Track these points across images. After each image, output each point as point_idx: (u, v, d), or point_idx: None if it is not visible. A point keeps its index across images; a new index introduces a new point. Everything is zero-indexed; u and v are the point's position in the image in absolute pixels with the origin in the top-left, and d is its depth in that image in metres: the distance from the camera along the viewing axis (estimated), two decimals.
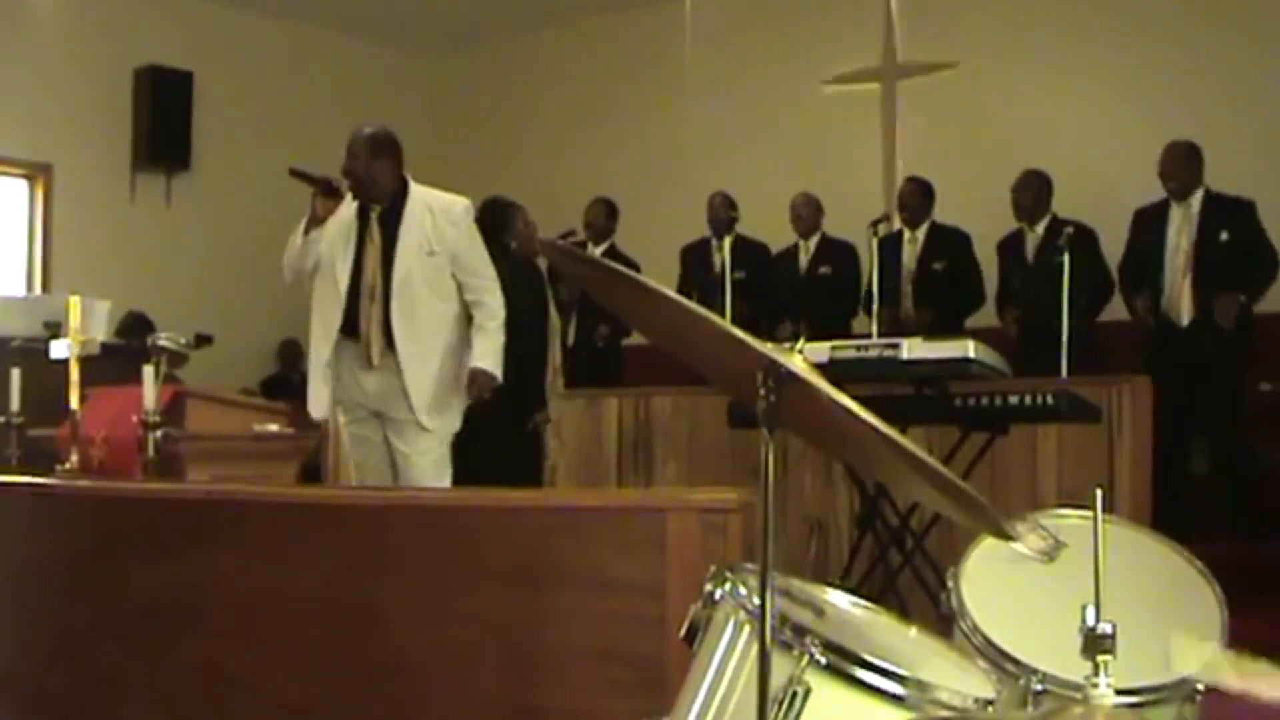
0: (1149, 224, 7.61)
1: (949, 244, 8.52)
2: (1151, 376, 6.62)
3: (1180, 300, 7.40)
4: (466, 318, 5.67)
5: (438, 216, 5.56)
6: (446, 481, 5.55)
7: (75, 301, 5.85)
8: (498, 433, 6.48)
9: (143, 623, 4.05)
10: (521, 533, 3.49)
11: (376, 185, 5.52)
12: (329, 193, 5.48)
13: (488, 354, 5.57)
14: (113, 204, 10.95)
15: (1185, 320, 7.39)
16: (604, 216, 9.60)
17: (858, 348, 5.83)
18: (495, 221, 6.70)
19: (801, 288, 8.97)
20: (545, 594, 3.38)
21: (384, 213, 5.55)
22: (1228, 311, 7.20)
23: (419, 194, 5.60)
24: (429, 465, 5.55)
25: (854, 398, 1.88)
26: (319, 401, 5.59)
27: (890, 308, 8.08)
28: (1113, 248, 7.80)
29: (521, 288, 6.46)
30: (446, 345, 5.61)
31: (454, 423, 5.65)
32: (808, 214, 9.09)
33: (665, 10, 10.64)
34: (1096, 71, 9.46)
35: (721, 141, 10.79)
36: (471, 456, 6.33)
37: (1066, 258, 6.76)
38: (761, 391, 1.91)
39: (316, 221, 5.53)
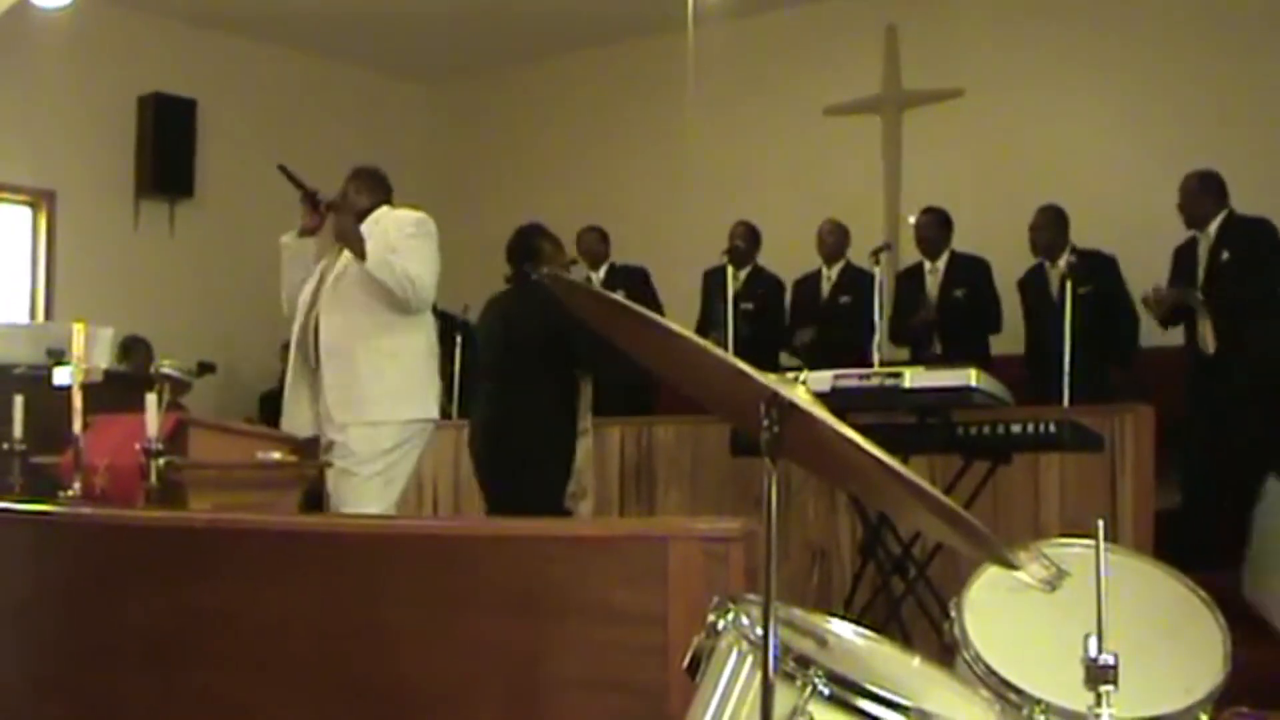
0: (1184, 259, 7.62)
1: (969, 272, 8.52)
2: (1188, 405, 6.58)
3: (1206, 329, 7.39)
4: (417, 336, 5.68)
5: (386, 223, 5.65)
6: (375, 508, 5.46)
7: (78, 329, 5.85)
8: (530, 465, 6.49)
9: (144, 651, 4.04)
10: (523, 561, 3.48)
11: (347, 201, 5.71)
12: (310, 204, 5.59)
13: (374, 250, 5.50)
14: (116, 231, 10.96)
15: (1211, 349, 7.35)
16: (597, 243, 9.65)
17: (860, 377, 5.83)
18: (522, 249, 6.71)
19: (822, 315, 8.95)
20: (547, 623, 3.38)
21: None
22: (1149, 300, 7.36)
23: (382, 211, 5.74)
24: (348, 490, 5.54)
25: (856, 426, 1.89)
26: (289, 419, 5.76)
27: (919, 340, 8.09)
28: (1130, 272, 7.80)
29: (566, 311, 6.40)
30: (371, 348, 5.58)
31: (378, 438, 5.57)
32: (834, 241, 9.08)
33: (668, 39, 10.65)
34: (1102, 98, 9.47)
35: (723, 170, 10.81)
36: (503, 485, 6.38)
37: (1069, 287, 6.77)
38: (764, 422, 1.91)
39: (306, 231, 5.67)
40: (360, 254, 5.48)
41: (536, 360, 6.50)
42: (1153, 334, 7.87)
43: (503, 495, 6.50)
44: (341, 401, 5.53)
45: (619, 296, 2.01)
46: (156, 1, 10.79)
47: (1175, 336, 7.71)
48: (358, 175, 5.85)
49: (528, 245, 6.75)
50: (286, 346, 10.87)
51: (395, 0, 10.71)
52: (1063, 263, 7.86)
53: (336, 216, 5.61)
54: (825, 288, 9.09)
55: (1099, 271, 7.67)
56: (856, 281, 8.96)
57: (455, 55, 12.24)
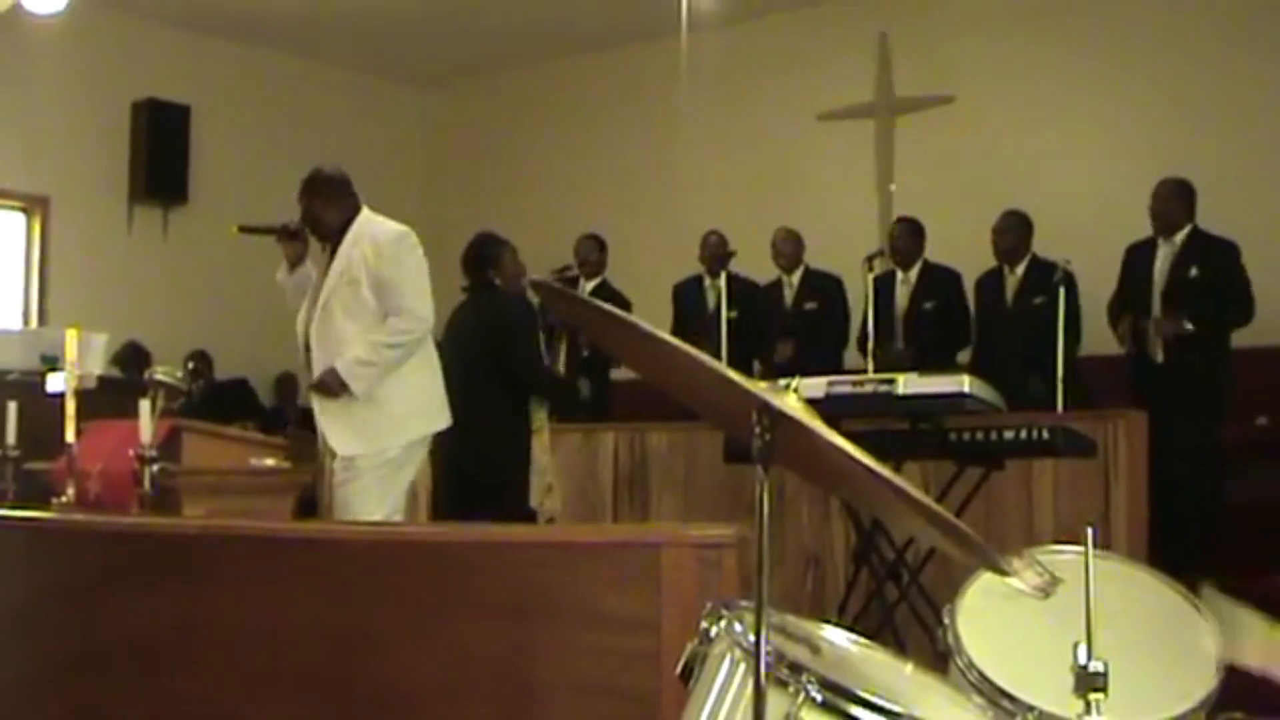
0: (1137, 259, 7.66)
1: (939, 284, 8.51)
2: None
3: (1158, 341, 7.44)
4: (416, 356, 5.66)
5: (365, 244, 5.57)
6: (374, 514, 5.42)
7: (72, 335, 5.85)
8: (492, 473, 6.48)
9: (137, 657, 4.04)
10: (515, 567, 3.49)
11: (320, 223, 5.63)
12: (287, 236, 5.60)
13: (349, 361, 5.46)
14: (110, 237, 10.96)
15: (1160, 356, 7.42)
16: (595, 251, 9.57)
17: (853, 383, 5.83)
18: (482, 257, 6.69)
19: (789, 323, 8.94)
20: (539, 629, 3.38)
21: (333, 248, 5.63)
22: (1158, 332, 7.34)
23: (361, 224, 5.63)
24: (350, 496, 5.48)
25: (848, 433, 1.89)
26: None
27: (885, 345, 8.06)
28: (1100, 289, 7.81)
29: (511, 323, 6.47)
30: None
31: (383, 450, 5.53)
32: (789, 250, 9.03)
33: (660, 45, 10.67)
34: (1094, 105, 9.48)
35: (715, 177, 10.81)
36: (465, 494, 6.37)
37: (1061, 294, 6.78)
38: (756, 430, 1.91)
39: (294, 263, 5.65)
40: (348, 392, 5.49)
41: (488, 366, 6.50)
42: (1089, 343, 7.87)
43: (468, 499, 6.49)
44: (343, 436, 5.51)
45: (609, 306, 2.01)
46: (150, 7, 10.79)
47: (1110, 345, 7.78)
48: (311, 190, 5.64)
49: (487, 254, 6.73)
50: (282, 377, 11.05)
51: (388, 6, 10.72)
52: (1020, 270, 7.94)
53: (320, 391, 5.57)
54: (789, 295, 9.06)
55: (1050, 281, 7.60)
56: (819, 286, 8.95)
57: (448, 60, 12.24)
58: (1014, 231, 8.06)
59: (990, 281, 8.22)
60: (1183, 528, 7.02)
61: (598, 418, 8.56)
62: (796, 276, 9.05)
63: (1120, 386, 7.55)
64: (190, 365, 10.24)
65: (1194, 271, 7.41)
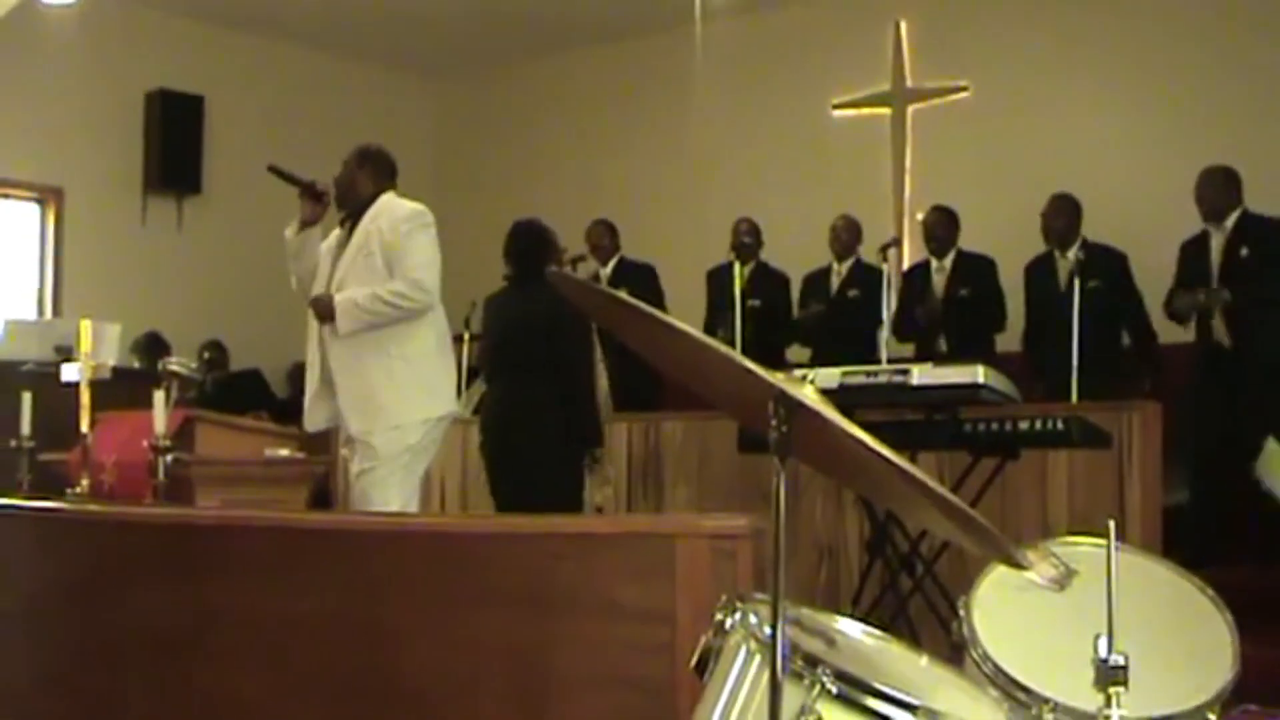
0: (1193, 253, 7.61)
1: (975, 271, 8.46)
2: (1198, 399, 6.59)
3: (1222, 323, 7.41)
4: (426, 333, 5.66)
5: (382, 219, 5.59)
6: (393, 505, 5.42)
7: (86, 325, 5.86)
8: (546, 465, 6.49)
9: (150, 648, 4.04)
10: (530, 558, 3.49)
11: (353, 191, 5.66)
12: (311, 196, 5.60)
13: (346, 297, 5.49)
14: (124, 227, 10.97)
15: (1227, 342, 7.39)
16: (606, 236, 9.58)
17: (868, 374, 5.82)
18: (535, 249, 6.66)
19: (832, 310, 8.92)
20: (554, 619, 3.38)
21: (352, 223, 5.65)
22: (1184, 305, 7.35)
23: (383, 203, 5.66)
24: (370, 485, 5.48)
25: (864, 423, 1.88)
26: (310, 417, 5.72)
27: (923, 336, 8.05)
28: (1140, 272, 7.80)
29: (565, 319, 6.39)
30: (382, 355, 5.55)
31: (402, 437, 5.52)
32: (847, 238, 8.99)
33: (675, 35, 10.65)
34: (1109, 93, 9.44)
35: (730, 166, 10.80)
36: (517, 486, 6.37)
37: (1077, 282, 6.76)
38: (773, 422, 1.90)
39: (306, 224, 5.63)
40: (334, 324, 5.51)
41: (539, 354, 6.48)
42: (1162, 331, 7.86)
43: (518, 492, 6.49)
44: (359, 413, 5.50)
45: (625, 295, 2.00)
46: None
47: (1179, 333, 7.73)
48: (365, 159, 5.71)
49: (546, 242, 6.71)
50: (297, 367, 11.00)
51: None
52: (1072, 254, 7.83)
53: (313, 307, 5.61)
54: (834, 283, 9.04)
55: (1108, 267, 7.65)
56: (865, 277, 8.93)
57: (462, 51, 12.24)
58: (1065, 214, 7.96)
59: (1041, 266, 8.12)
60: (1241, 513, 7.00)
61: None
62: (846, 266, 9.01)
63: (1186, 373, 7.52)
64: (205, 356, 10.27)
65: (1244, 252, 7.38)
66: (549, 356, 6.43)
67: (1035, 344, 8.10)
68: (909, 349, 8.60)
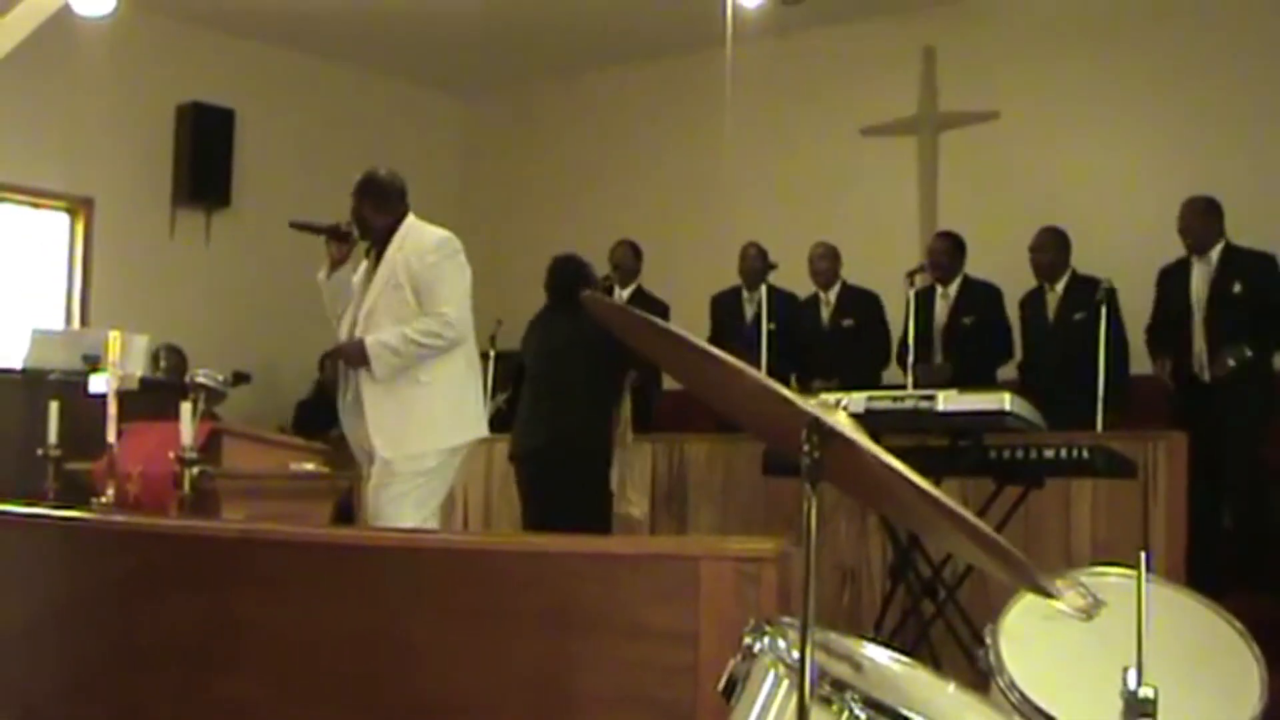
0: (1173, 282, 7.61)
1: (980, 299, 8.44)
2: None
3: (1204, 356, 7.41)
4: (456, 357, 5.66)
5: (409, 248, 5.59)
6: (409, 521, 5.43)
7: (115, 336, 5.88)
8: (566, 486, 6.54)
9: (173, 659, 4.05)
10: (553, 578, 3.48)
11: (367, 225, 5.65)
12: (337, 237, 5.62)
13: (377, 340, 5.49)
14: (153, 239, 11.01)
15: (1208, 376, 7.38)
16: (630, 258, 9.54)
17: (894, 399, 5.82)
18: (575, 284, 6.74)
19: (825, 339, 8.90)
20: (576, 640, 3.37)
21: (378, 253, 5.66)
22: (1223, 361, 7.26)
23: (407, 229, 5.66)
24: (385, 502, 5.50)
25: (889, 449, 1.88)
26: (345, 425, 5.75)
27: (922, 362, 8.02)
28: (1139, 306, 7.79)
29: (599, 345, 6.45)
30: (408, 382, 5.54)
31: (422, 460, 5.54)
32: (826, 266, 8.94)
33: (703, 56, 10.66)
34: (1138, 121, 9.44)
35: (757, 189, 10.80)
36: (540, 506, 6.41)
37: (1104, 312, 6.74)
38: (805, 448, 1.90)
39: (335, 264, 5.65)
40: (369, 368, 5.52)
41: (595, 378, 6.57)
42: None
43: (551, 508, 6.53)
44: (383, 434, 5.52)
45: (658, 320, 2.00)
46: (196, 12, 10.85)
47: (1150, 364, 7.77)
48: (363, 192, 5.66)
49: (585, 276, 6.81)
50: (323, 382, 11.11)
51: (433, 14, 10.74)
52: (1060, 286, 7.89)
53: (340, 357, 5.65)
54: (825, 313, 8.99)
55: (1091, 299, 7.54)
56: (857, 302, 8.91)
57: (492, 69, 12.27)
58: (1050, 249, 7.98)
59: (1033, 300, 8.16)
60: (1226, 548, 6.99)
61: (636, 429, 8.55)
62: (833, 293, 8.99)
63: (1162, 406, 7.50)
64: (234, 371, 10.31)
65: (1237, 287, 7.36)
66: (583, 374, 6.50)
67: (1028, 378, 8.08)
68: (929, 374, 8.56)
